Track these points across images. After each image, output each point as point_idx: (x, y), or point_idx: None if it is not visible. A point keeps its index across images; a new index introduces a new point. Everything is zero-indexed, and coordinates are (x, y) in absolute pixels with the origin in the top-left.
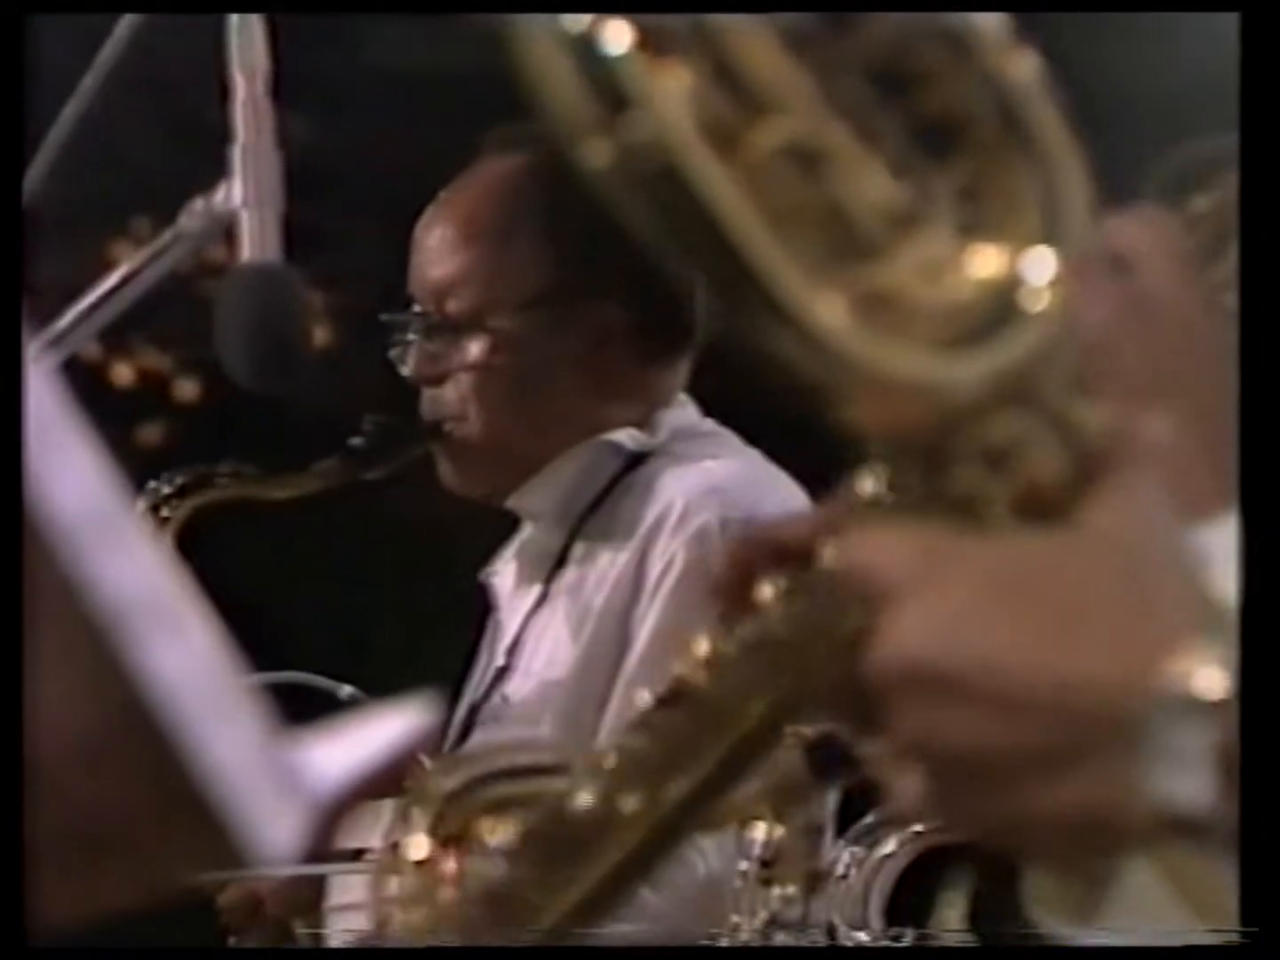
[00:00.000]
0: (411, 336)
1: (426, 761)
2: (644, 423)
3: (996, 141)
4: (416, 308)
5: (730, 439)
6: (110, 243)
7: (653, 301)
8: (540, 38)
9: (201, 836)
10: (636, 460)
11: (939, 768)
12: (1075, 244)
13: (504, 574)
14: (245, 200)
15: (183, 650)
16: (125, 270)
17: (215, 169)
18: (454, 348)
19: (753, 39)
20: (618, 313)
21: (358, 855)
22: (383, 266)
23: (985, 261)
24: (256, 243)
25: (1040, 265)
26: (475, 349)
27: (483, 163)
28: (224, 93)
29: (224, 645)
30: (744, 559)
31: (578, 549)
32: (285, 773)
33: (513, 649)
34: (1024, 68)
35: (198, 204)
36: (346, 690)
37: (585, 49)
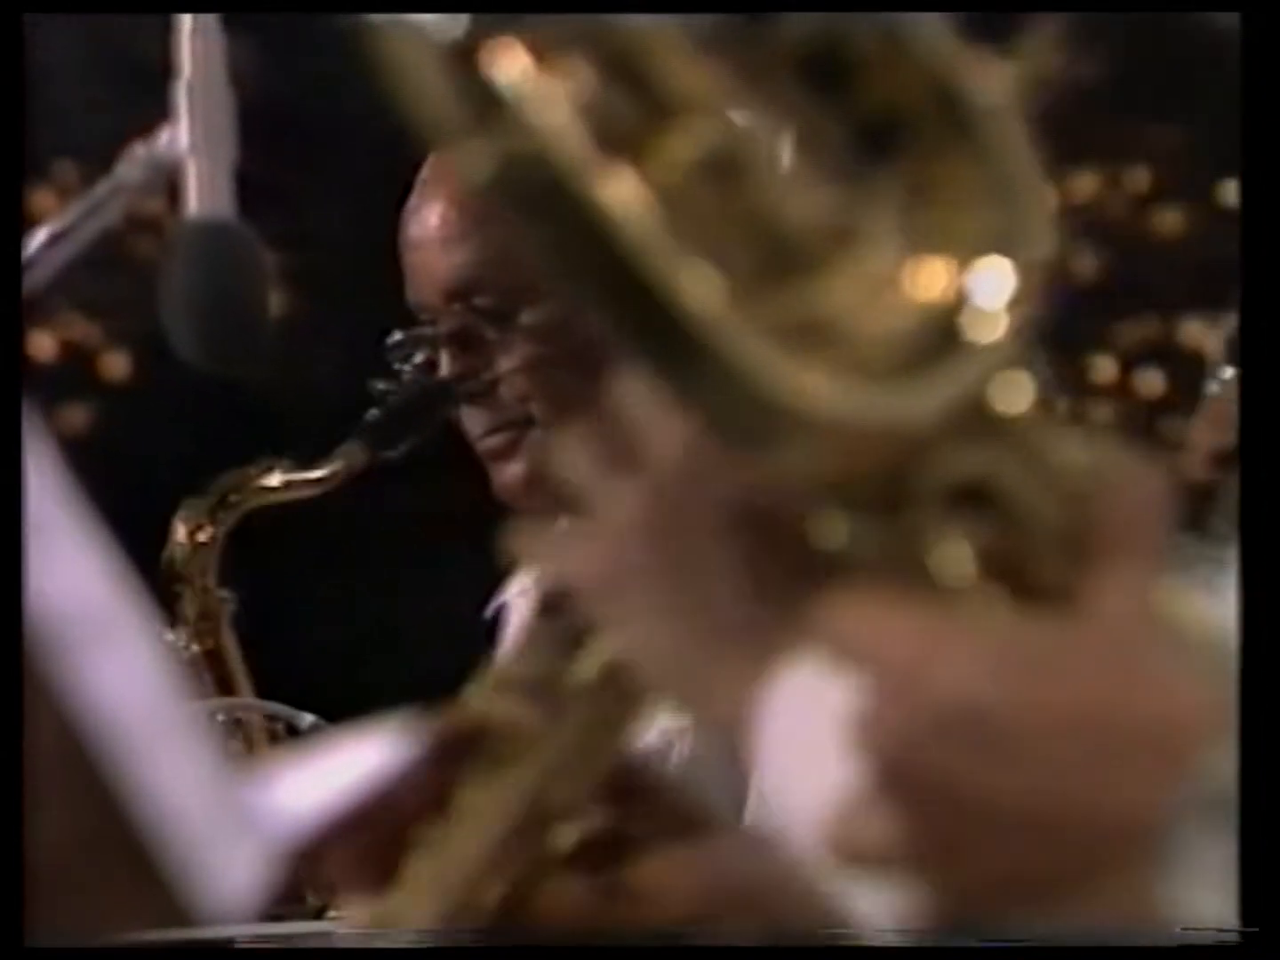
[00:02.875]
0: (424, 353)
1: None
2: None
3: (942, 141)
4: (439, 319)
5: None
6: (28, 189)
7: None
8: (404, 36)
9: (144, 885)
10: None
11: (933, 880)
12: (1034, 255)
13: (515, 606)
14: (193, 146)
15: (123, 670)
16: (55, 227)
17: (154, 108)
18: (492, 350)
19: (659, 37)
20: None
21: (320, 912)
22: (345, 225)
23: (932, 277)
24: (206, 196)
25: (994, 279)
26: (519, 343)
27: None
28: (166, 20)
29: (171, 666)
30: None
31: None
32: (241, 811)
33: None
34: (971, 59)
35: (138, 150)
36: (308, 719)
37: (454, 47)
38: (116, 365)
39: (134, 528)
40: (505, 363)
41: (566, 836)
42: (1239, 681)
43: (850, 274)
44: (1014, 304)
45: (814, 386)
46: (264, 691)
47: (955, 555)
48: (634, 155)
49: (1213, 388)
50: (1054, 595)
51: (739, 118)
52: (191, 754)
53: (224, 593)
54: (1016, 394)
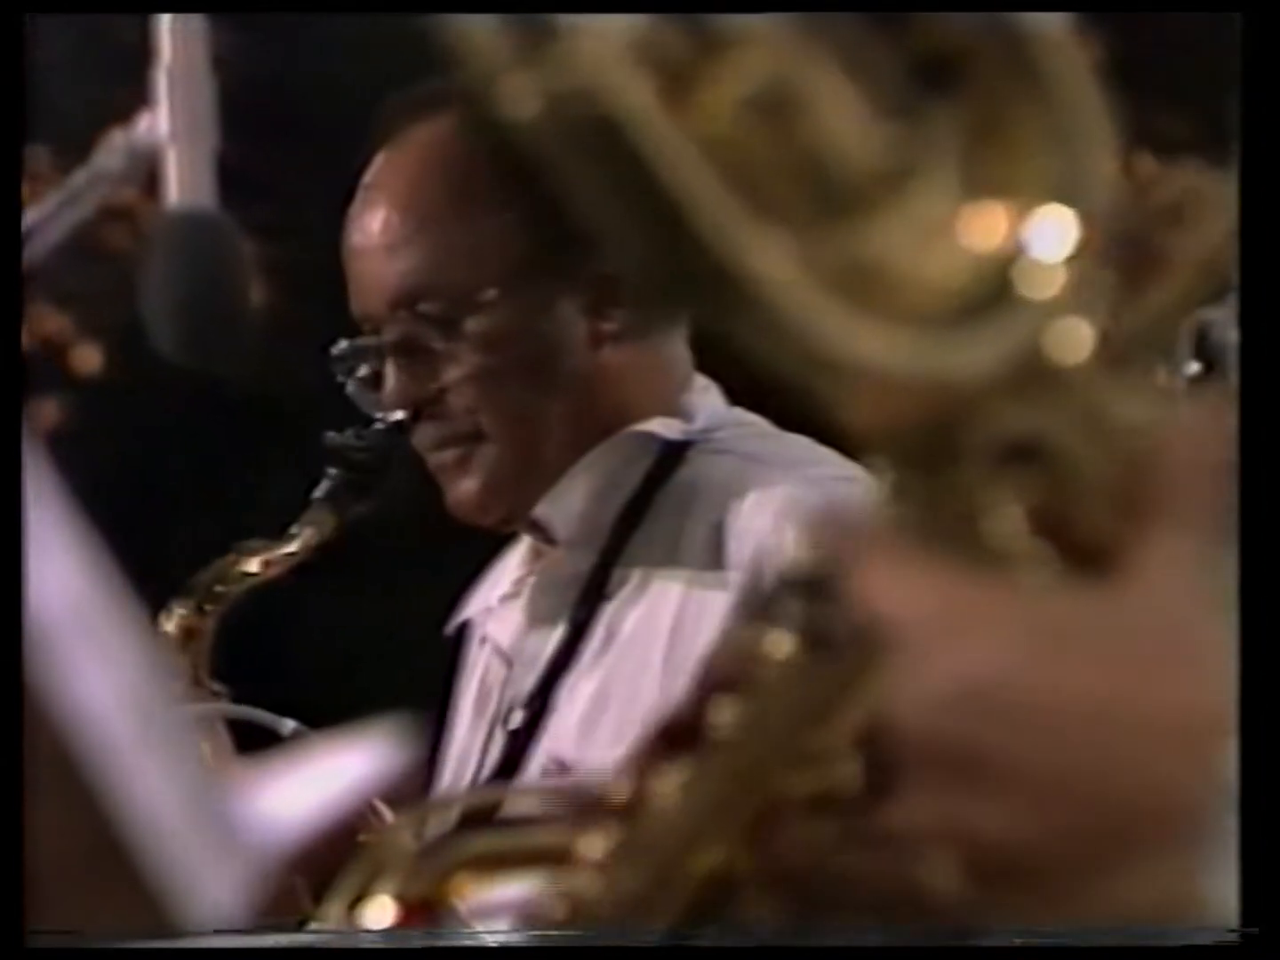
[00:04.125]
0: (365, 368)
1: (387, 812)
2: (671, 409)
3: (1004, 80)
4: (383, 329)
5: (770, 429)
6: None
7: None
8: None
9: (127, 893)
10: (672, 454)
11: (966, 859)
12: (1096, 205)
13: (500, 612)
14: (173, 134)
15: (108, 673)
16: (34, 217)
17: (130, 93)
18: (439, 359)
19: None
20: (610, 268)
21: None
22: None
23: (990, 224)
24: (186, 185)
25: (1055, 227)
26: (467, 352)
27: (402, 134)
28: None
29: (157, 670)
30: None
31: (628, 575)
32: (227, 819)
33: (540, 703)
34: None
35: (117, 137)
36: (290, 725)
37: None
38: (89, 359)
39: (108, 525)
40: (453, 373)
41: (810, 783)
42: (1239, 681)
43: (903, 218)
44: (1074, 256)
45: (862, 335)
46: (247, 697)
47: (1005, 514)
48: (684, 92)
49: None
50: (1101, 560)
51: (791, 53)
52: (177, 760)
53: (217, 685)
54: (1073, 346)
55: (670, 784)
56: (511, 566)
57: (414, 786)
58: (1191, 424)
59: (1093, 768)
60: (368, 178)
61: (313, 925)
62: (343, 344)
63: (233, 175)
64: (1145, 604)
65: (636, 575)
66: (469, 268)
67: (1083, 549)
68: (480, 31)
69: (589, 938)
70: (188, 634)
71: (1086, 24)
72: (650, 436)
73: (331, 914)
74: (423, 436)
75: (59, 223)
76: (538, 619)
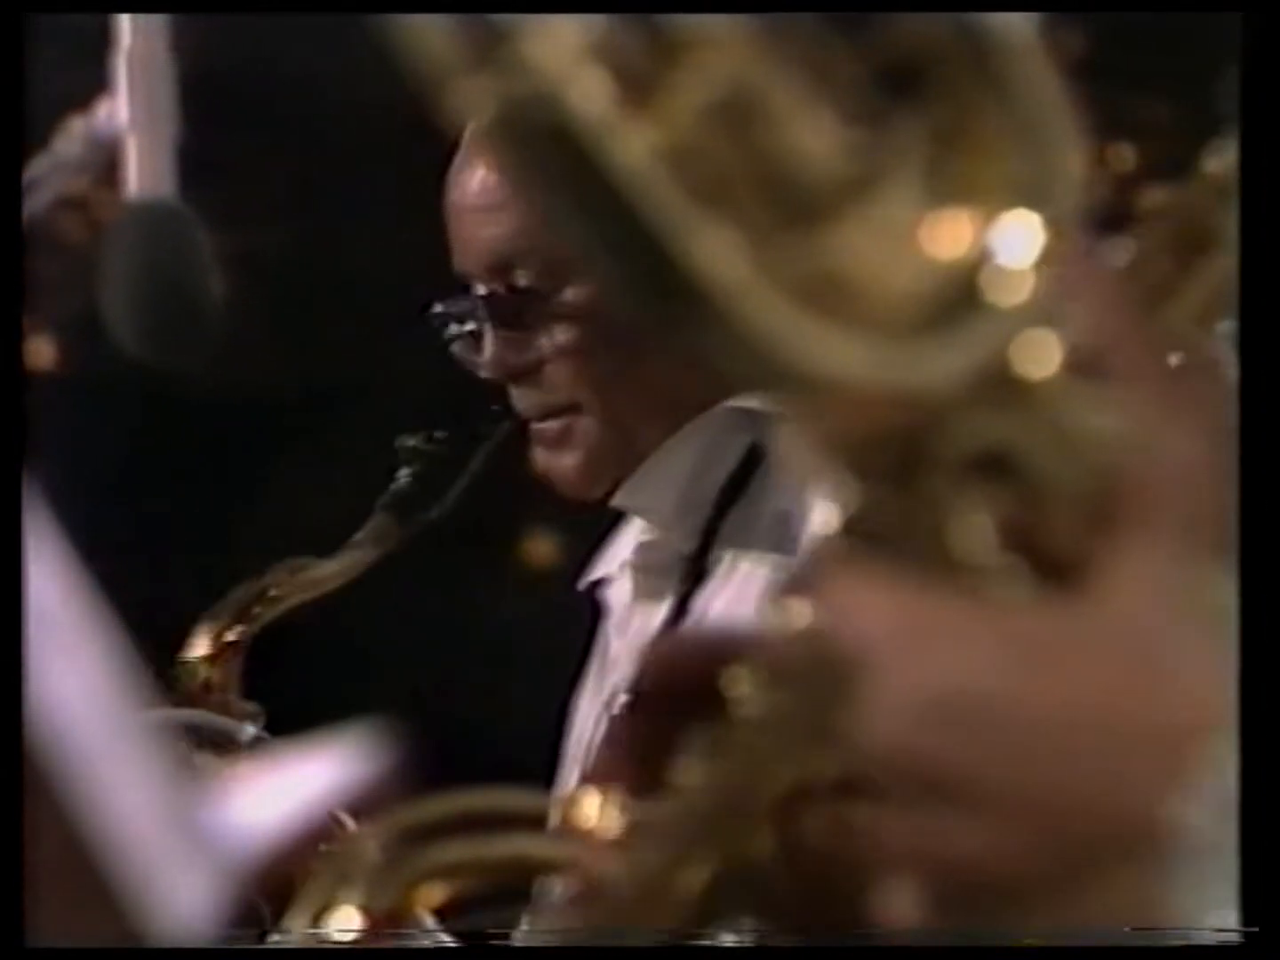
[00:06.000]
0: (471, 325)
1: (350, 822)
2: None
3: (967, 84)
4: (479, 289)
5: None
6: None
7: None
8: None
9: (102, 900)
10: (773, 428)
11: (932, 879)
12: (1063, 209)
13: (619, 580)
14: (133, 122)
15: (76, 678)
16: None
17: (89, 79)
18: (535, 329)
19: None
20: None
21: (262, 935)
22: (287, 203)
23: (955, 231)
24: (147, 174)
25: (1022, 232)
26: (563, 325)
27: None
28: None
29: (125, 676)
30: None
31: (721, 555)
32: (196, 826)
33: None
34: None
35: (76, 125)
36: (249, 731)
37: None
38: (42, 354)
39: (65, 525)
40: (549, 343)
41: (837, 765)
42: (1239, 681)
43: (868, 224)
44: (1041, 262)
45: (826, 345)
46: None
47: (974, 527)
48: (643, 97)
49: None
50: (1071, 573)
51: (753, 58)
52: (145, 766)
53: (250, 706)
54: (1041, 357)
55: (691, 765)
56: (631, 534)
57: (397, 790)
58: (1164, 433)
59: (1063, 781)
60: (467, 135)
61: (276, 937)
62: (439, 306)
63: (191, 163)
64: (1115, 615)
65: (729, 556)
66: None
67: (1053, 561)
68: (433, 34)
69: (595, 937)
70: (220, 650)
71: (1070, 22)
72: (749, 413)
73: (296, 926)
74: (525, 404)
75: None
76: (643, 596)
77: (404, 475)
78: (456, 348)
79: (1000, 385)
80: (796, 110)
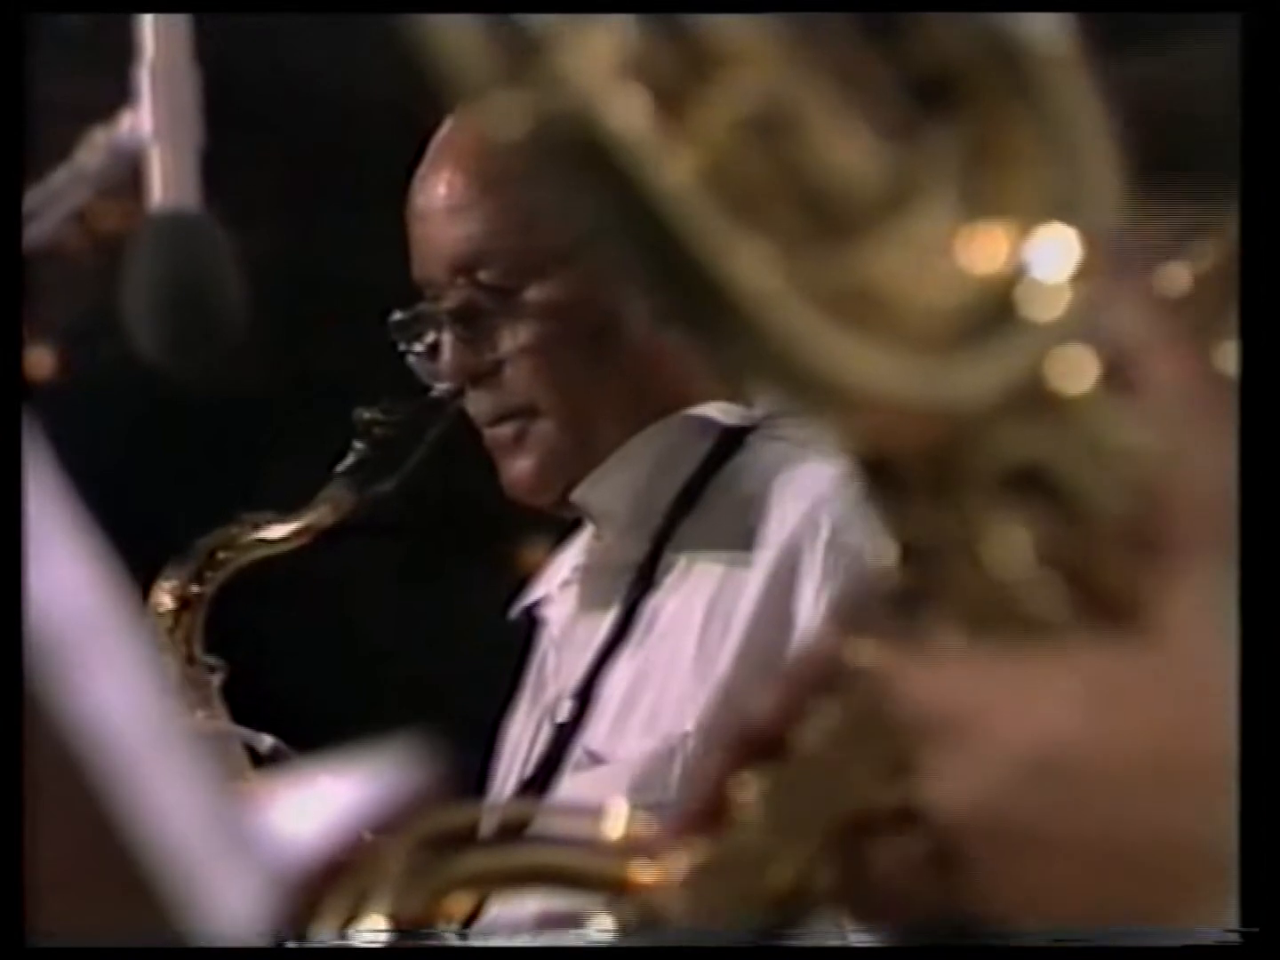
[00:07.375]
0: (430, 333)
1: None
2: (734, 394)
3: (1002, 97)
4: (442, 301)
5: None
6: None
7: None
8: None
9: (140, 903)
10: (730, 440)
11: (1020, 923)
12: (1099, 223)
13: (559, 599)
14: (157, 132)
15: (118, 685)
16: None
17: (112, 91)
18: (497, 329)
19: None
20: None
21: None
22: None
23: (990, 245)
24: (171, 185)
25: (1057, 247)
26: (526, 324)
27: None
28: None
29: (165, 683)
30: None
31: (673, 561)
32: (240, 832)
33: (585, 694)
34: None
35: (99, 136)
36: (269, 742)
37: None
38: (42, 363)
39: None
40: (510, 344)
41: (898, 796)
42: (1239, 682)
43: (902, 239)
44: (1077, 277)
45: (861, 359)
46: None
47: (1011, 543)
48: (677, 113)
49: None
50: (1117, 597)
51: (788, 72)
52: (187, 772)
53: (212, 659)
54: (1077, 372)
55: (752, 795)
56: (574, 552)
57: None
58: (1199, 451)
59: (1152, 821)
60: (436, 139)
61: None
62: (399, 314)
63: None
64: (1179, 651)
65: (681, 562)
66: (531, 238)
67: (1091, 578)
68: (468, 46)
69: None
70: (180, 604)
71: (1100, 50)
72: (707, 421)
73: (323, 934)
74: (479, 409)
75: (42, 223)
76: (589, 607)
77: (360, 445)
78: (413, 360)
79: (1035, 400)
80: (831, 124)
